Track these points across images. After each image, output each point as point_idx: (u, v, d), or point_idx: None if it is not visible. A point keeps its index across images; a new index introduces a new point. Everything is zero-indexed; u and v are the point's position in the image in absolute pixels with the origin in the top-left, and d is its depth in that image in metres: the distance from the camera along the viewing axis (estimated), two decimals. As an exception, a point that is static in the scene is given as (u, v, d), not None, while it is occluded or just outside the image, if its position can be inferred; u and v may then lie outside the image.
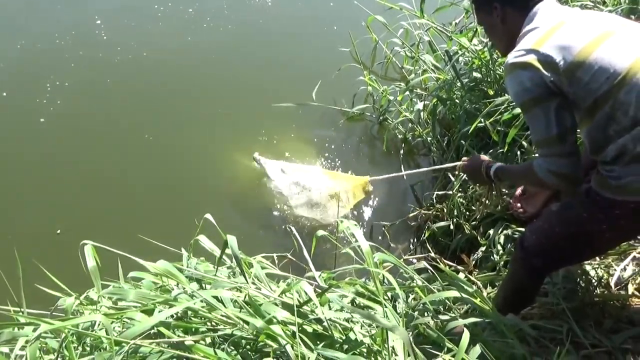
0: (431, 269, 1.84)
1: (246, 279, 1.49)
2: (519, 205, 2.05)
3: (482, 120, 2.77)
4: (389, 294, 1.66)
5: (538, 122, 1.42)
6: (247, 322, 1.28)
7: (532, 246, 1.66)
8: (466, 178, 1.99)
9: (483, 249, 2.55)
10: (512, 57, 1.47)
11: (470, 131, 2.86)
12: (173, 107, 3.99)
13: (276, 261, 1.93)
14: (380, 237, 3.13)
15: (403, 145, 3.69)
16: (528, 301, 1.83)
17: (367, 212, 3.31)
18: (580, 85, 1.38)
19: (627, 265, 2.01)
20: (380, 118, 3.89)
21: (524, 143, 2.63)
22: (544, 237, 1.64)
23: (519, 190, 2.00)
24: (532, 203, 1.90)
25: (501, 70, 3.10)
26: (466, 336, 1.24)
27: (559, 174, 1.44)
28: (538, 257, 1.65)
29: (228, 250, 1.50)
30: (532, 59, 1.41)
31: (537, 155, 1.51)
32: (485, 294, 2.09)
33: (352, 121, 3.95)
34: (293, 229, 1.89)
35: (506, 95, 2.78)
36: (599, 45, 1.37)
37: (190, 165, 3.54)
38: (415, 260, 2.70)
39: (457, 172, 2.33)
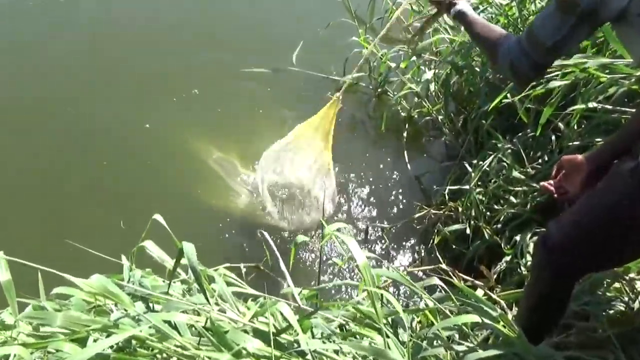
0: (443, 284, 1.85)
1: (207, 298, 1.48)
2: (558, 186, 2.02)
3: (508, 95, 2.78)
4: (389, 318, 1.67)
5: (550, 22, 1.58)
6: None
7: (558, 244, 1.68)
8: None
9: (508, 259, 2.58)
10: None
11: (491, 108, 2.87)
12: (111, 82, 3.96)
13: (244, 274, 1.92)
14: (377, 243, 3.15)
15: (407, 125, 3.70)
16: (558, 316, 1.86)
17: (361, 211, 3.32)
18: None
19: (686, 282, 2.05)
20: (379, 90, 3.90)
21: (561, 125, 2.65)
22: (573, 231, 1.66)
23: (554, 171, 2.01)
24: (572, 181, 1.89)
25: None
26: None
27: (516, 71, 1.68)
28: (566, 257, 1.67)
29: (183, 261, 1.48)
30: None
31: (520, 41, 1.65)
32: (510, 316, 2.11)
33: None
34: (266, 233, 1.89)
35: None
36: None
37: (135, 154, 3.53)
38: (421, 274, 2.72)
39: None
